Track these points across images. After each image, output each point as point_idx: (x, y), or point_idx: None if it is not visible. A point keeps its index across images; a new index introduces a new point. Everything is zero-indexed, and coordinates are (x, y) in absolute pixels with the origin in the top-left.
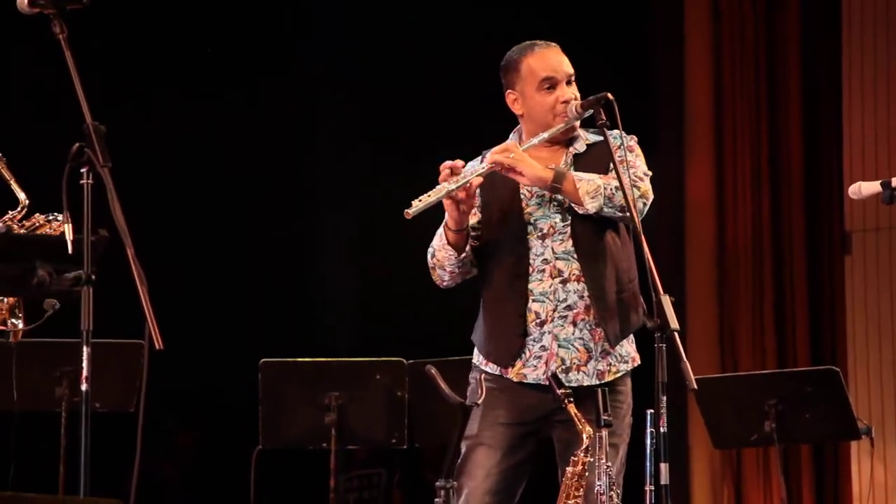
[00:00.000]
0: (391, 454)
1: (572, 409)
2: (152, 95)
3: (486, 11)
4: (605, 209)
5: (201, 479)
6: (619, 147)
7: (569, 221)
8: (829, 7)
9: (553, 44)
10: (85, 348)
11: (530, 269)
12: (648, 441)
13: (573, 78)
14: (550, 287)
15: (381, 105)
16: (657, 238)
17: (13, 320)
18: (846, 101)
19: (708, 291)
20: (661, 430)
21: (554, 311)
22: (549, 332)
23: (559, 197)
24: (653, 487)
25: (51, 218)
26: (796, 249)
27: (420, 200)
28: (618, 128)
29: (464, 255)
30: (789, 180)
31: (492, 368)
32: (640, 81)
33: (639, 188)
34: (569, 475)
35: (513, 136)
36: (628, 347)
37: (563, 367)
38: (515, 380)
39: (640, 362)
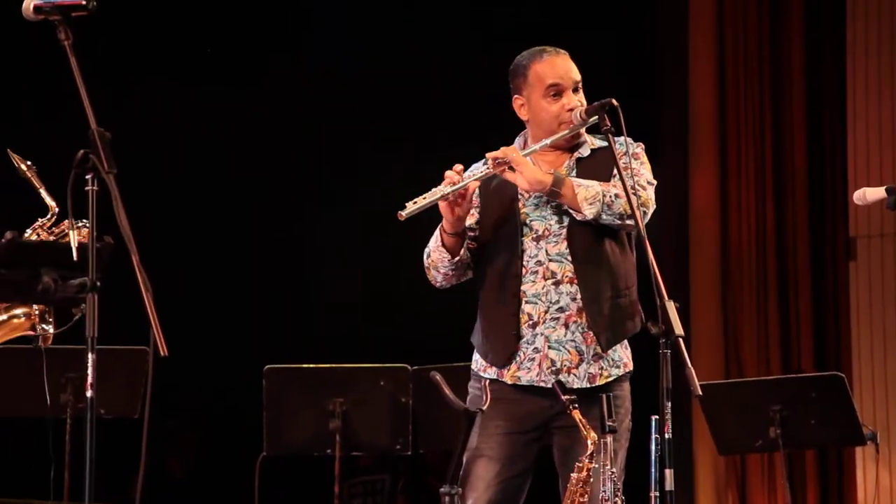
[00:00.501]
0: (395, 460)
1: (577, 414)
2: (154, 101)
3: (491, 13)
4: (604, 216)
5: (205, 485)
6: (624, 154)
7: (565, 224)
8: (832, 14)
9: (562, 51)
10: (90, 355)
11: (524, 271)
12: (653, 447)
13: (580, 85)
14: (543, 289)
15: (384, 106)
16: (661, 244)
17: (44, 325)
18: (850, 107)
19: (712, 297)
20: (666, 436)
21: (546, 312)
22: (541, 334)
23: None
24: (658, 493)
25: (80, 225)
26: (800, 255)
27: (414, 203)
28: (623, 134)
29: (458, 258)
30: (793, 186)
31: (489, 374)
32: (645, 87)
33: (639, 196)
34: (573, 481)
35: (518, 141)
36: (621, 353)
37: (554, 368)
38: (510, 382)
39: (632, 368)
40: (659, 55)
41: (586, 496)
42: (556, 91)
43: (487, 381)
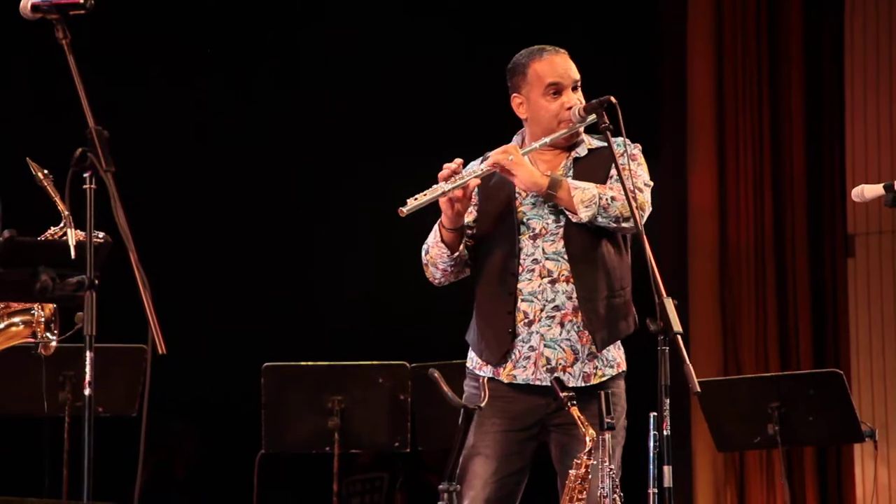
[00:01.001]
0: (393, 458)
1: (575, 411)
2: (154, 100)
3: (491, 11)
4: (600, 218)
5: (204, 483)
6: (622, 154)
7: (562, 223)
8: (831, 11)
9: (561, 49)
10: (88, 353)
11: (520, 269)
12: (651, 444)
13: (579, 84)
14: (539, 287)
15: (384, 105)
16: (660, 241)
17: (48, 334)
18: (849, 105)
19: (711, 294)
20: (665, 432)
21: (542, 311)
22: (537, 332)
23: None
24: (656, 490)
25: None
26: (799, 252)
27: (415, 199)
28: (621, 131)
29: (457, 254)
30: (792, 183)
31: (484, 372)
32: (643, 85)
33: (636, 198)
34: (572, 478)
35: (516, 139)
36: (615, 353)
37: (549, 367)
38: (506, 381)
39: (625, 368)
40: (657, 53)
41: (585, 493)
42: (556, 90)
43: (485, 378)
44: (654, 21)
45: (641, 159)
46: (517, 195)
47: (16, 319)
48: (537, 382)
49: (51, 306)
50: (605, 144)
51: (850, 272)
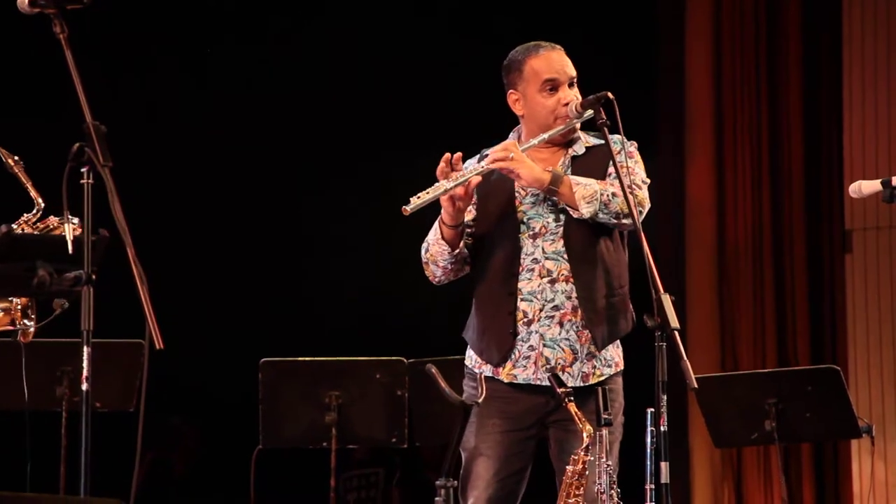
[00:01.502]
0: (389, 453)
1: (573, 407)
2: (152, 94)
3: (488, 7)
4: (601, 215)
5: (202, 478)
6: (620, 151)
7: (562, 222)
8: (829, 5)
9: (557, 45)
10: (85, 348)
11: (520, 269)
12: (649, 440)
13: (575, 80)
14: (539, 286)
15: (383, 101)
16: (657, 237)
17: (25, 321)
18: (846, 100)
19: (708, 290)
20: (662, 428)
21: (541, 310)
22: (536, 332)
23: (554, 198)
24: (653, 486)
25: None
26: (797, 248)
27: (418, 197)
28: (618, 127)
29: (457, 251)
30: (790, 179)
31: (484, 371)
32: (641, 80)
33: (636, 195)
34: (569, 474)
35: (512, 136)
36: (613, 352)
37: (549, 366)
38: (506, 381)
39: (623, 367)
40: (655, 48)
41: (582, 489)
42: (553, 86)
43: (482, 375)
44: (651, 17)
45: (638, 157)
46: (516, 194)
47: None
48: (537, 382)
49: None
50: (602, 142)
51: (848, 268)
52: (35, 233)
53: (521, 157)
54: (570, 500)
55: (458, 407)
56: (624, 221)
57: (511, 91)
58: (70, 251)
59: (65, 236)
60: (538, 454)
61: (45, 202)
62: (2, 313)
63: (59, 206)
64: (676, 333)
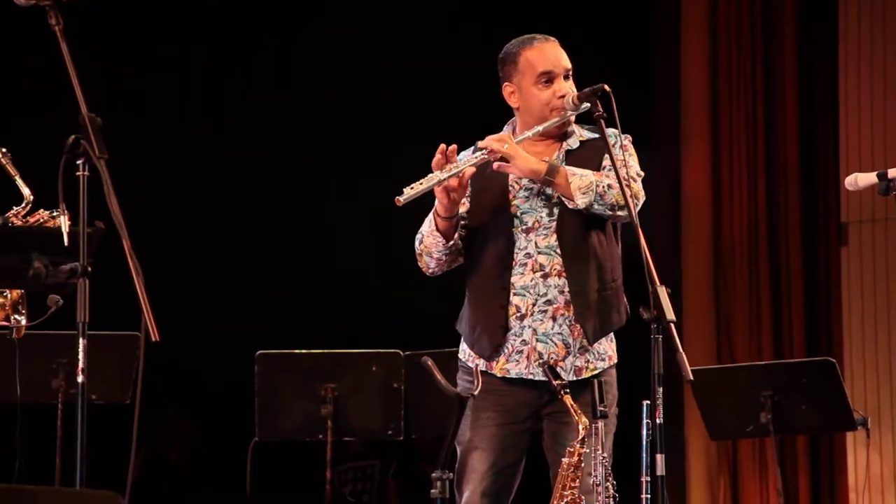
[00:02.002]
0: (385, 446)
1: (568, 399)
2: (148, 86)
3: (483, 3)
4: (596, 206)
5: (198, 470)
6: (614, 144)
7: (555, 217)
8: None
9: (552, 38)
10: (81, 340)
11: (513, 263)
12: (644, 432)
13: (570, 73)
14: (531, 281)
15: (379, 95)
16: (653, 229)
17: (16, 316)
18: (842, 92)
19: (704, 282)
20: (658, 421)
21: (534, 305)
22: (529, 327)
23: (548, 191)
24: (649, 478)
25: (55, 214)
26: (792, 240)
27: (412, 188)
28: (615, 120)
29: (452, 242)
30: (785, 171)
31: (479, 365)
32: (637, 72)
33: (630, 188)
34: (565, 466)
35: (507, 129)
36: (607, 346)
37: (542, 361)
38: (499, 375)
39: (616, 360)
40: (651, 40)
41: (577, 481)
42: (548, 78)
43: (478, 367)
44: (647, 9)
45: (632, 150)
46: (510, 187)
47: None
48: (530, 377)
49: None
50: (597, 135)
51: (844, 260)
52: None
53: (515, 148)
54: (565, 493)
55: (453, 399)
56: (619, 213)
57: (506, 84)
58: (66, 243)
59: (60, 228)
60: (531, 446)
61: (36, 195)
62: None
63: (55, 199)
64: (672, 326)
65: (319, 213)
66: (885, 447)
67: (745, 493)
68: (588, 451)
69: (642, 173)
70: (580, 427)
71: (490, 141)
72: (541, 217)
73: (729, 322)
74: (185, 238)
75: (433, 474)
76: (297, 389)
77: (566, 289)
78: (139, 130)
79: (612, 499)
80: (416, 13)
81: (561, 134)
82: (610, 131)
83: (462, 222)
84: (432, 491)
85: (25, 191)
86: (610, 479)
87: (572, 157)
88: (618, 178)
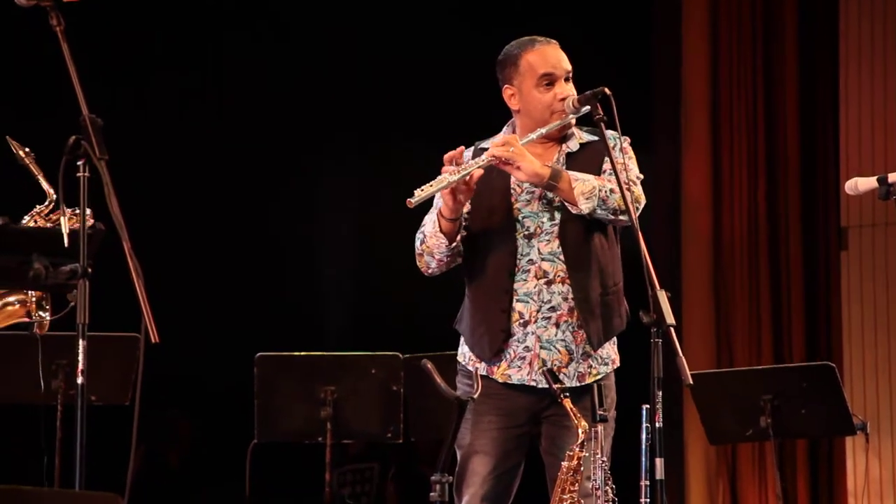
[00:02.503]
0: (384, 448)
1: (568, 403)
2: (149, 88)
3: (483, 3)
4: (598, 211)
5: (197, 472)
6: (614, 147)
7: (557, 221)
8: (825, 2)
9: (553, 40)
10: (81, 341)
11: (516, 269)
12: (644, 436)
13: (570, 75)
14: (535, 288)
15: (377, 97)
16: (653, 233)
17: (41, 313)
18: (843, 97)
19: (704, 286)
20: (657, 425)
21: (538, 311)
22: (533, 333)
23: (548, 195)
24: (648, 482)
25: (78, 212)
26: (792, 245)
27: (422, 190)
28: (615, 123)
29: (454, 244)
30: (786, 175)
31: (479, 369)
32: (637, 75)
33: (632, 192)
34: (564, 470)
35: (506, 130)
36: (609, 349)
37: (544, 368)
38: (501, 380)
39: (619, 364)
40: (652, 43)
41: (576, 485)
42: (549, 81)
43: (477, 371)
44: (647, 11)
45: (631, 153)
46: (512, 191)
47: (11, 299)
48: (532, 383)
49: None
50: (596, 138)
51: (844, 265)
52: (48, 225)
53: (521, 151)
54: (564, 497)
55: (453, 402)
56: (621, 217)
57: (506, 86)
58: (66, 244)
59: (61, 229)
60: (534, 450)
61: (36, 195)
62: (18, 305)
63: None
64: (672, 330)
65: (319, 216)
66: (885, 452)
67: (745, 497)
68: (587, 454)
69: (641, 176)
70: (580, 431)
71: (495, 149)
72: (542, 222)
73: (729, 326)
74: (185, 240)
75: (432, 477)
76: (297, 391)
77: (570, 295)
78: (139, 131)
79: (611, 503)
80: (414, 12)
81: (561, 136)
82: (609, 133)
83: (464, 223)
84: (431, 494)
85: (49, 190)
86: (609, 482)
87: (573, 161)
88: (618, 183)
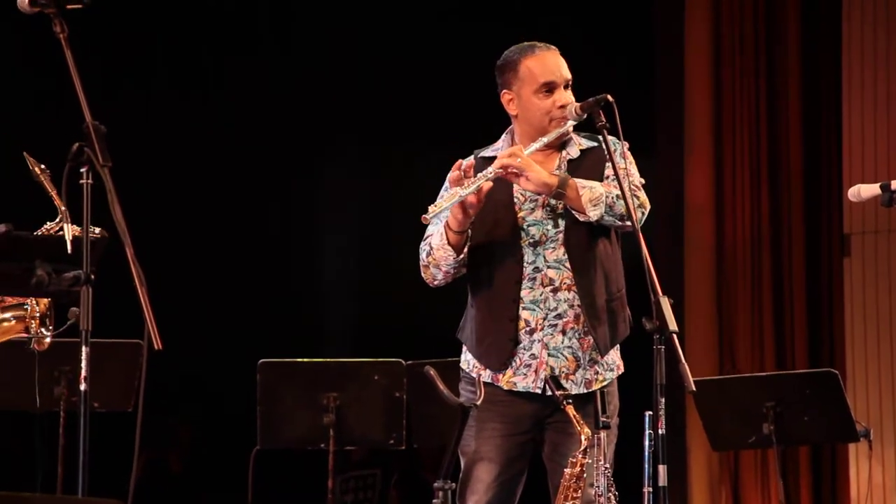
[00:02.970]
0: (387, 455)
1: (571, 410)
2: (151, 94)
3: (485, 7)
4: (606, 217)
5: (200, 478)
6: (616, 152)
7: (561, 229)
8: (828, 8)
9: (552, 46)
10: (84, 348)
11: (522, 277)
12: (647, 443)
13: (570, 83)
14: (541, 296)
15: (379, 107)
16: (656, 239)
17: (42, 329)
18: (846, 104)
19: (707, 293)
20: (660, 431)
21: (544, 319)
22: (539, 341)
23: (552, 203)
24: (651, 489)
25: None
26: (795, 251)
27: (436, 205)
28: (617, 130)
29: (462, 255)
30: (789, 182)
31: (483, 376)
32: (640, 82)
33: (638, 197)
34: (567, 476)
35: (505, 137)
36: (614, 355)
37: (552, 375)
38: (506, 388)
39: (623, 370)
40: (654, 49)
41: (579, 491)
42: (549, 88)
43: (480, 378)
44: (649, 18)
45: (631, 157)
46: (515, 199)
47: (7, 315)
48: (537, 391)
49: (45, 301)
50: (595, 144)
51: (846, 271)
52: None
53: (528, 161)
54: (567, 503)
55: (456, 409)
56: (627, 223)
57: (505, 91)
58: (69, 251)
59: (64, 236)
60: (537, 457)
61: (39, 203)
62: (14, 321)
63: (49, 206)
64: (675, 336)
65: (322, 222)
66: (888, 459)
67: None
68: (590, 461)
69: (643, 180)
70: (583, 437)
71: (504, 159)
72: (547, 230)
73: (731, 333)
74: (188, 246)
75: (435, 484)
76: (300, 398)
77: (576, 302)
78: (141, 138)
79: None
80: (415, 14)
81: (559, 143)
82: (609, 139)
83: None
84: (434, 501)
85: (61, 207)
86: (612, 489)
87: (574, 167)
88: (621, 189)
